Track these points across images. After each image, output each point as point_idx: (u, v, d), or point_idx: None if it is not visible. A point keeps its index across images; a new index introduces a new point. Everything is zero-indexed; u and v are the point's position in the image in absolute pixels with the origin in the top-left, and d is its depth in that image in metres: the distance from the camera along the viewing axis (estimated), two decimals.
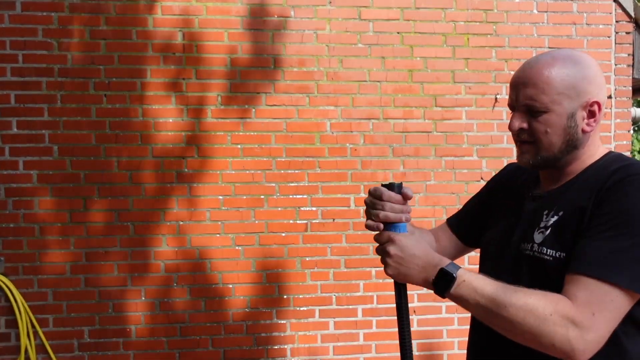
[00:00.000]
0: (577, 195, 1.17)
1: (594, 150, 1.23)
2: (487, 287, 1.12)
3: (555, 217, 1.17)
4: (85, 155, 3.18)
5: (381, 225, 1.23)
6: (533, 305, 1.06)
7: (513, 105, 1.23)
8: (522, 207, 1.29)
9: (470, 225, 1.51)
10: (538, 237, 1.18)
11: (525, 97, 1.18)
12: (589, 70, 1.18)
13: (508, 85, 1.37)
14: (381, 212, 1.22)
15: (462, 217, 1.56)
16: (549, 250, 1.15)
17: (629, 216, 1.06)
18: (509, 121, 1.25)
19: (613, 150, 1.29)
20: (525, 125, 1.20)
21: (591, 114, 1.19)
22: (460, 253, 1.56)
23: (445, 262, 1.16)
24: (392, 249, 1.19)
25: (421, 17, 3.38)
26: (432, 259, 1.17)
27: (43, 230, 3.15)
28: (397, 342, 1.31)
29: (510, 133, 1.27)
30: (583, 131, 1.19)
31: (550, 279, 1.14)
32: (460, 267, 1.15)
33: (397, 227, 1.23)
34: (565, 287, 1.08)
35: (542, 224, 1.19)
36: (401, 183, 1.27)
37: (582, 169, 1.22)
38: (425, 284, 1.18)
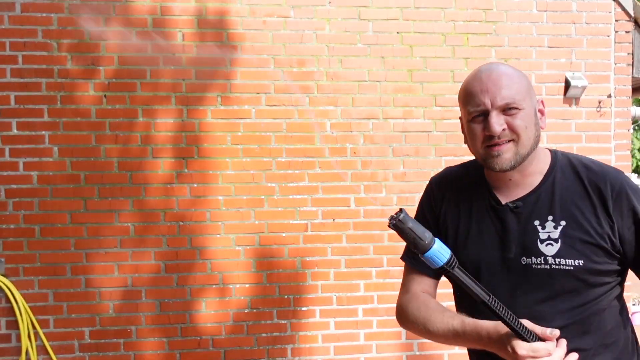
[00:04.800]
0: (570, 204, 1.23)
1: (542, 150, 1.31)
2: None
3: (560, 228, 1.21)
4: (85, 156, 3.18)
5: None
6: None
7: (486, 110, 1.23)
8: (502, 219, 1.27)
9: None
10: (549, 249, 1.21)
11: (504, 99, 1.21)
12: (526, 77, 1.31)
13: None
14: None
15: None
16: (567, 261, 1.20)
17: None
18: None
19: (566, 150, 1.36)
20: (505, 125, 1.22)
21: (541, 112, 1.30)
22: (436, 289, 1.44)
23: None
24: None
25: (421, 17, 3.38)
26: None
27: (43, 231, 3.15)
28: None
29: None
30: (541, 127, 1.29)
31: (575, 285, 1.21)
32: None
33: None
34: None
35: (543, 236, 1.22)
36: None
37: (544, 173, 1.28)
38: None
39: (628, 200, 1.21)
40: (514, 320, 1.09)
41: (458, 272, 1.08)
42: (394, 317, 1.50)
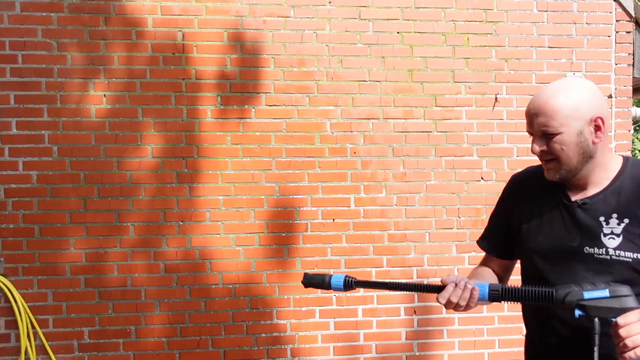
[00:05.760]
0: (634, 204, 1.40)
1: (610, 158, 1.47)
2: None
3: (622, 225, 1.40)
4: (85, 156, 3.17)
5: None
6: None
7: (530, 131, 1.45)
8: (570, 214, 1.47)
9: (503, 241, 1.67)
10: (610, 242, 1.40)
11: (539, 125, 1.41)
12: (588, 92, 1.41)
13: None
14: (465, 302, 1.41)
15: (493, 236, 1.72)
16: (627, 253, 1.38)
17: None
18: (527, 137, 1.49)
19: (621, 154, 1.50)
20: (544, 147, 1.42)
21: (597, 128, 1.41)
22: (506, 271, 1.73)
23: None
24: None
25: (421, 17, 3.37)
26: None
27: (43, 231, 3.15)
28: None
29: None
30: (593, 143, 1.42)
31: (632, 276, 1.37)
32: None
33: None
34: None
35: (606, 231, 1.41)
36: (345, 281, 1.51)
37: (613, 177, 1.46)
38: None
39: None
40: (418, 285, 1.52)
41: (361, 283, 1.50)
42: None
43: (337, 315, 3.34)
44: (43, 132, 3.15)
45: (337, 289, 1.49)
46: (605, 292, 1.27)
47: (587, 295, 1.27)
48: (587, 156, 1.42)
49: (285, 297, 3.32)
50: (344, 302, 3.35)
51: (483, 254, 1.77)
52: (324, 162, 3.33)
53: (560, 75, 3.44)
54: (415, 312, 3.37)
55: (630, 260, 1.37)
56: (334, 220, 3.33)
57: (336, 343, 3.34)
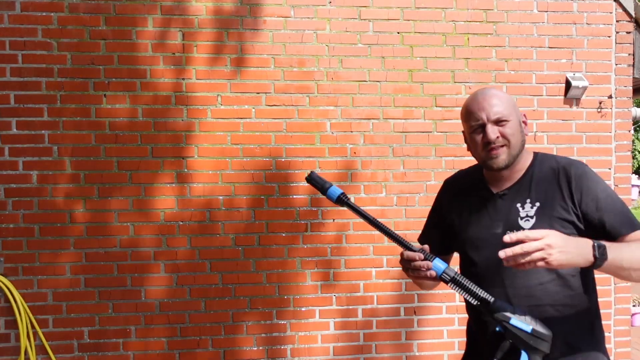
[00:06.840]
0: (543, 189, 1.60)
1: (525, 153, 1.67)
2: (621, 247, 1.42)
3: (535, 208, 1.58)
4: (85, 156, 3.17)
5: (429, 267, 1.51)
6: None
7: (483, 123, 1.60)
8: (493, 205, 1.66)
9: (440, 237, 1.81)
10: (526, 224, 1.57)
11: (495, 113, 1.59)
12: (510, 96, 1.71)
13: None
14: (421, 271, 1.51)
15: (429, 233, 1.89)
16: None
17: (607, 188, 1.60)
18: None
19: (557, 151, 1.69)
20: (498, 133, 1.59)
21: (524, 123, 1.67)
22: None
23: (590, 240, 1.40)
24: (553, 240, 1.32)
25: (421, 17, 3.37)
26: (583, 239, 1.40)
27: (43, 231, 3.15)
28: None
29: None
30: (525, 134, 1.66)
31: None
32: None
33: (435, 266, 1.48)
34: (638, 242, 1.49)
35: (522, 214, 1.59)
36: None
37: (525, 169, 1.65)
38: (584, 261, 1.37)
39: (586, 183, 1.56)
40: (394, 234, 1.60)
41: (351, 207, 1.59)
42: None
43: (337, 315, 3.34)
44: (43, 132, 3.15)
45: (330, 199, 1.58)
46: (529, 328, 1.36)
47: (513, 322, 1.37)
48: (523, 144, 1.63)
49: (285, 297, 3.31)
50: (343, 302, 3.35)
51: None
52: (324, 162, 3.33)
53: (561, 75, 3.44)
54: (415, 312, 3.36)
55: None
56: (334, 220, 3.33)
57: (336, 343, 3.34)
